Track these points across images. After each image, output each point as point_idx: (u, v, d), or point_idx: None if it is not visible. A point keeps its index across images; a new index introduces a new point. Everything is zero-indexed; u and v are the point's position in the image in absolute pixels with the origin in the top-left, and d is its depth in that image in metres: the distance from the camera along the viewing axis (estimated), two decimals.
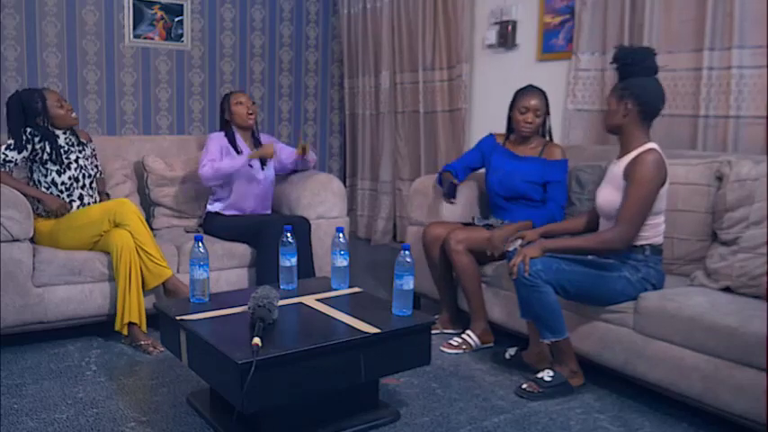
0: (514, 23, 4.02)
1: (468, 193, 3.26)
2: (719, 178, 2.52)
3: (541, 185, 2.98)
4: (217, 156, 3.26)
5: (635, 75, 2.36)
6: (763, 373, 1.94)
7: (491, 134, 3.18)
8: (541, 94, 3.00)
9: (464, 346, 2.84)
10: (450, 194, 3.13)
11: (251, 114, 3.37)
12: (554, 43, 3.78)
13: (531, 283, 2.31)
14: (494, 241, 2.73)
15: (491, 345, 2.87)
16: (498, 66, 4.16)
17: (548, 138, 3.07)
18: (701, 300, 2.21)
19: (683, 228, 2.60)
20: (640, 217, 2.31)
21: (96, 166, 3.19)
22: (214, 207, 3.35)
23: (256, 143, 3.46)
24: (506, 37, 4.05)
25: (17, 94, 2.97)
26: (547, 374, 2.41)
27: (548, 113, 3.03)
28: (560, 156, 2.98)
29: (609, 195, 2.42)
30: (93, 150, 3.23)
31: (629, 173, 2.33)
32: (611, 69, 3.27)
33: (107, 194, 3.27)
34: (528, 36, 3.96)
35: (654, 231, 2.39)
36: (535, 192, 2.98)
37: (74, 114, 3.07)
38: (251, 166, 3.29)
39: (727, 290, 2.35)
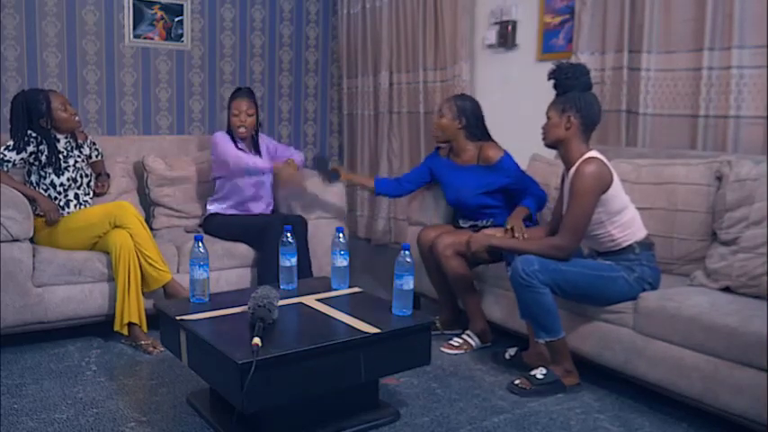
0: (514, 23, 4.02)
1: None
2: (719, 178, 2.52)
3: (497, 192, 2.95)
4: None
5: (573, 88, 2.41)
6: (763, 373, 1.94)
7: (437, 148, 3.19)
8: (447, 102, 3.03)
9: (464, 347, 2.84)
10: (326, 175, 3.32)
11: (241, 129, 3.28)
12: (554, 43, 3.78)
13: (528, 283, 2.32)
14: (473, 244, 2.64)
15: (489, 344, 2.87)
16: (498, 66, 4.16)
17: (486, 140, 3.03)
18: (700, 300, 2.21)
19: (682, 228, 2.60)
20: (580, 227, 2.36)
21: (93, 164, 3.20)
22: (214, 207, 3.35)
23: (255, 147, 3.44)
24: (506, 37, 4.05)
25: (23, 94, 2.96)
26: (539, 372, 2.43)
27: (471, 118, 2.98)
28: (497, 155, 2.93)
29: None
30: (92, 146, 3.24)
31: (570, 185, 2.39)
32: (611, 69, 3.32)
33: (107, 174, 3.28)
34: (528, 36, 3.96)
35: (631, 228, 2.41)
36: (492, 199, 2.97)
37: (77, 119, 3.07)
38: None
39: (727, 290, 2.35)
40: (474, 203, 2.99)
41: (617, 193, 2.38)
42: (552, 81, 2.48)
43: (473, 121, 3.00)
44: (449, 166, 3.08)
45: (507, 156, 2.95)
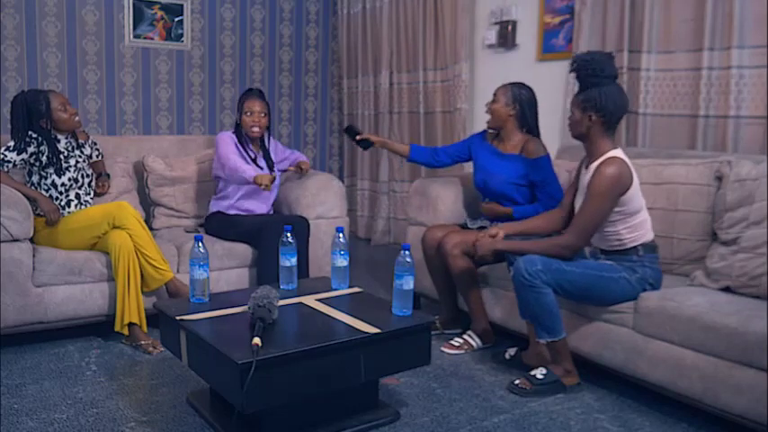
0: (514, 23, 4.02)
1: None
2: (719, 178, 2.52)
3: (525, 186, 2.95)
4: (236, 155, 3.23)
5: (595, 84, 2.33)
6: (763, 373, 1.94)
7: (483, 130, 3.17)
8: (504, 87, 2.99)
9: (465, 347, 2.84)
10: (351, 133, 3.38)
11: (255, 129, 3.27)
12: (554, 43, 3.78)
13: (531, 283, 2.31)
14: (479, 248, 2.63)
15: (491, 345, 2.87)
16: (498, 66, 4.16)
17: (533, 134, 3.02)
18: (700, 300, 2.21)
19: (682, 228, 2.60)
20: (591, 228, 2.36)
21: (94, 164, 3.20)
22: (216, 205, 3.34)
23: (264, 149, 3.43)
24: (506, 37, 4.05)
25: (23, 95, 2.96)
26: (540, 372, 2.43)
27: (526, 107, 2.95)
28: (539, 152, 2.93)
29: None
30: (93, 146, 3.24)
31: (588, 184, 2.36)
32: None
33: (107, 174, 3.28)
34: (528, 36, 3.96)
35: (641, 230, 2.40)
36: (517, 193, 2.96)
37: (77, 118, 3.07)
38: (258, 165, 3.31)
39: (727, 290, 2.35)
40: (500, 191, 2.98)
41: (635, 195, 2.36)
42: (575, 75, 2.41)
43: (526, 111, 2.96)
44: (490, 151, 3.07)
45: (548, 156, 2.94)
